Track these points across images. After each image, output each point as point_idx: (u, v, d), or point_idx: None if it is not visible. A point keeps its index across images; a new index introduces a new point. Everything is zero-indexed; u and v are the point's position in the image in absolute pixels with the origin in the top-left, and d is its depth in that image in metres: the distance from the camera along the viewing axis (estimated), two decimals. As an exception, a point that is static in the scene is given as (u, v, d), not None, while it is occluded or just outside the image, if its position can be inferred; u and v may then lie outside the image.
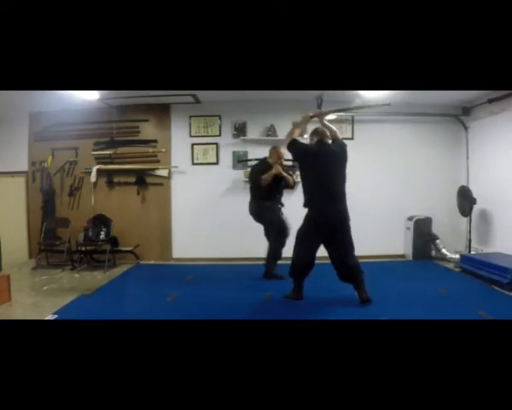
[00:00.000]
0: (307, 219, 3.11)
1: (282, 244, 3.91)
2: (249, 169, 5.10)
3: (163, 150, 5.17)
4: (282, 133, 5.17)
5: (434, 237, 5.10)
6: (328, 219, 3.00)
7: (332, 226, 3.02)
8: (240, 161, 5.16)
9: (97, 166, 5.13)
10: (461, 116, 5.16)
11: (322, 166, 3.06)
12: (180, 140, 5.21)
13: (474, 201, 4.55)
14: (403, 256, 5.23)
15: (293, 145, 3.23)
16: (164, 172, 5.19)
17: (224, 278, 4.32)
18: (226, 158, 5.22)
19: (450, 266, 4.69)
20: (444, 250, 5.01)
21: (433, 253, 5.13)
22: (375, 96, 4.54)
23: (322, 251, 5.26)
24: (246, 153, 5.19)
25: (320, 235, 3.07)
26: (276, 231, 3.81)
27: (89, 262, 4.91)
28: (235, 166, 5.20)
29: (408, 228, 5.12)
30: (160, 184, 5.20)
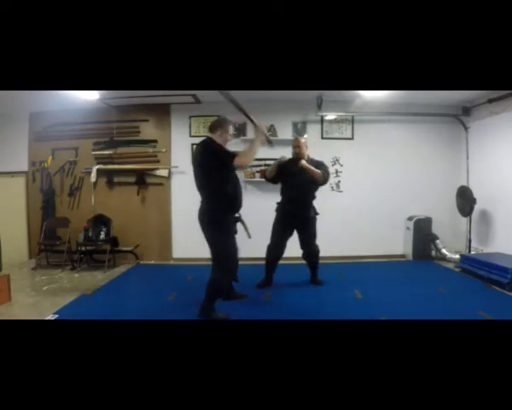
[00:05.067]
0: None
1: None
2: (249, 169, 5.11)
3: (163, 150, 5.18)
4: (282, 133, 5.19)
5: (434, 237, 5.10)
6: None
7: None
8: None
9: (97, 166, 5.13)
10: (461, 116, 5.16)
11: None
12: (180, 140, 5.21)
13: (474, 201, 4.55)
14: (403, 256, 5.23)
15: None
16: (164, 173, 5.19)
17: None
18: (226, 158, 5.21)
19: (451, 266, 4.70)
20: (444, 250, 5.01)
21: (433, 253, 5.13)
22: (375, 96, 4.55)
23: (327, 252, 5.23)
24: (246, 153, 5.18)
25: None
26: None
27: (89, 262, 4.91)
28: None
29: (408, 228, 5.13)
30: (160, 184, 5.20)
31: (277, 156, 5.08)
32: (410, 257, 5.14)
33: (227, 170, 2.77)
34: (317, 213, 3.79)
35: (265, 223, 5.17)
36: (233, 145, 5.15)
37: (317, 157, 5.19)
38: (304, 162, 3.56)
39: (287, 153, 5.19)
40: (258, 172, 5.09)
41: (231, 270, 2.88)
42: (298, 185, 3.63)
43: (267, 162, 5.05)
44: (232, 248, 2.85)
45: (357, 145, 5.21)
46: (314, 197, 3.79)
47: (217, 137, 2.86)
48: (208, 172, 2.78)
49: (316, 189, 3.74)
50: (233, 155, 2.78)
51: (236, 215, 3.00)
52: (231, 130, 2.96)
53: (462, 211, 4.82)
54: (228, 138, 2.92)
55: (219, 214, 2.80)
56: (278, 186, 5.18)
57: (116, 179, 5.19)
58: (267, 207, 5.18)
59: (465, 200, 4.69)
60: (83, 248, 4.84)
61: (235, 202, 2.88)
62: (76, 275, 4.46)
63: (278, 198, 5.33)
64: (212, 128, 2.92)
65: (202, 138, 3.00)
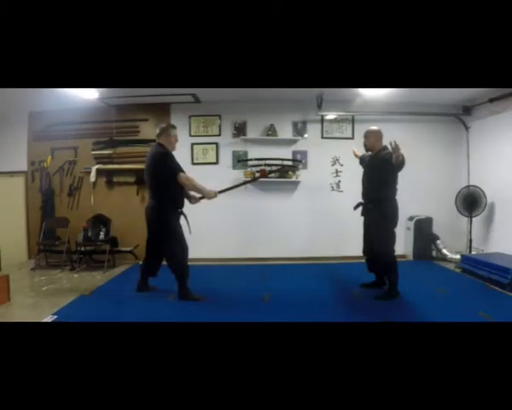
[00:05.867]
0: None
1: None
2: (249, 169, 5.09)
3: (163, 150, 5.16)
4: (282, 133, 5.17)
5: (435, 238, 5.09)
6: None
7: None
8: (240, 160, 5.14)
9: (97, 166, 5.12)
10: (462, 115, 5.14)
11: None
12: (180, 140, 5.14)
13: (485, 204, 4.52)
14: (403, 256, 5.21)
15: None
16: (163, 172, 5.17)
17: (223, 278, 4.31)
18: (226, 158, 5.21)
19: (451, 266, 4.68)
20: (444, 250, 5.00)
21: (434, 253, 5.12)
22: (375, 95, 4.54)
23: (327, 252, 5.22)
24: (246, 153, 5.17)
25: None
26: None
27: (88, 262, 4.89)
28: (235, 166, 5.19)
29: (408, 228, 5.11)
30: (160, 184, 5.19)
31: (277, 156, 5.11)
32: (410, 257, 5.12)
33: (170, 178, 3.22)
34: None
35: (265, 223, 5.19)
36: (233, 145, 5.18)
37: (317, 157, 5.25)
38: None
39: (287, 152, 5.21)
40: (258, 171, 5.07)
41: (184, 249, 3.35)
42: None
43: (267, 162, 5.04)
44: (181, 231, 3.34)
45: (358, 145, 5.18)
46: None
47: (163, 140, 3.33)
48: (155, 177, 3.26)
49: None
50: (179, 170, 3.26)
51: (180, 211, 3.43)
52: (175, 133, 3.41)
53: (468, 214, 4.77)
54: (171, 140, 3.37)
55: (166, 209, 3.28)
56: (277, 187, 5.20)
57: (115, 179, 5.19)
58: (266, 207, 5.20)
59: (476, 205, 4.63)
60: (82, 249, 4.83)
61: (177, 201, 3.37)
62: (75, 275, 4.45)
63: (278, 199, 5.34)
64: (158, 134, 3.39)
65: (154, 144, 3.47)
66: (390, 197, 3.38)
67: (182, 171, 3.30)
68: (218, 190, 3.56)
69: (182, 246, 3.34)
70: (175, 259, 3.33)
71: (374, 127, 3.53)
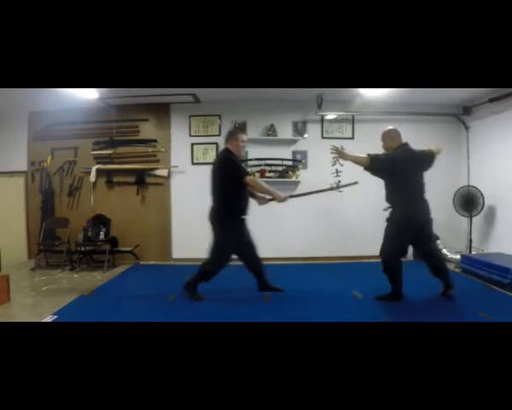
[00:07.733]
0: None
1: None
2: (249, 169, 5.08)
3: (162, 150, 5.16)
4: (283, 133, 5.17)
5: (435, 238, 5.07)
6: None
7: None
8: (240, 160, 5.13)
9: (97, 166, 5.12)
10: (462, 116, 5.14)
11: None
12: (180, 140, 5.19)
13: (483, 205, 4.53)
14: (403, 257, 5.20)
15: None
16: (163, 172, 5.17)
17: (223, 278, 4.30)
18: (226, 158, 5.20)
19: (451, 266, 4.68)
20: (444, 250, 4.99)
21: (434, 253, 5.11)
22: (375, 95, 4.54)
23: (327, 252, 5.23)
24: (246, 153, 5.17)
25: None
26: None
27: (88, 262, 4.89)
28: (235, 166, 5.18)
29: (408, 228, 5.10)
30: (160, 184, 5.19)
31: (277, 156, 5.11)
32: (410, 257, 5.11)
33: (237, 182, 3.21)
34: None
35: (265, 223, 5.18)
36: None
37: (317, 157, 5.25)
38: None
39: (287, 152, 5.21)
40: (258, 172, 5.07)
41: (222, 264, 3.36)
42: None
43: (267, 162, 5.05)
44: (235, 239, 3.30)
45: (358, 145, 5.18)
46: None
47: (230, 145, 3.33)
48: (221, 181, 3.26)
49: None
50: (245, 173, 3.28)
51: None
52: (242, 138, 3.37)
53: (466, 213, 4.77)
54: (239, 145, 3.34)
55: (230, 214, 3.28)
56: (277, 187, 5.17)
57: (115, 179, 5.19)
58: (266, 207, 5.18)
59: (473, 205, 4.64)
60: (82, 249, 4.82)
61: (242, 208, 3.35)
62: (75, 275, 4.45)
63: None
64: (226, 140, 3.41)
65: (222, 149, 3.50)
66: (405, 199, 3.26)
67: (248, 174, 3.30)
68: (290, 194, 3.54)
69: (227, 253, 3.35)
70: (215, 258, 3.34)
71: (388, 127, 3.42)
